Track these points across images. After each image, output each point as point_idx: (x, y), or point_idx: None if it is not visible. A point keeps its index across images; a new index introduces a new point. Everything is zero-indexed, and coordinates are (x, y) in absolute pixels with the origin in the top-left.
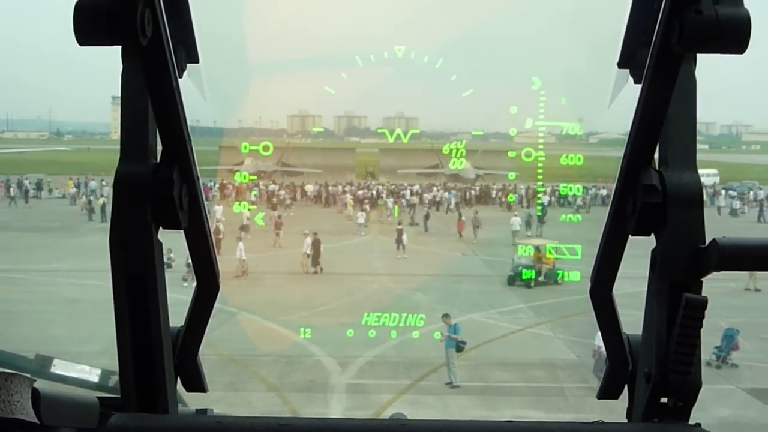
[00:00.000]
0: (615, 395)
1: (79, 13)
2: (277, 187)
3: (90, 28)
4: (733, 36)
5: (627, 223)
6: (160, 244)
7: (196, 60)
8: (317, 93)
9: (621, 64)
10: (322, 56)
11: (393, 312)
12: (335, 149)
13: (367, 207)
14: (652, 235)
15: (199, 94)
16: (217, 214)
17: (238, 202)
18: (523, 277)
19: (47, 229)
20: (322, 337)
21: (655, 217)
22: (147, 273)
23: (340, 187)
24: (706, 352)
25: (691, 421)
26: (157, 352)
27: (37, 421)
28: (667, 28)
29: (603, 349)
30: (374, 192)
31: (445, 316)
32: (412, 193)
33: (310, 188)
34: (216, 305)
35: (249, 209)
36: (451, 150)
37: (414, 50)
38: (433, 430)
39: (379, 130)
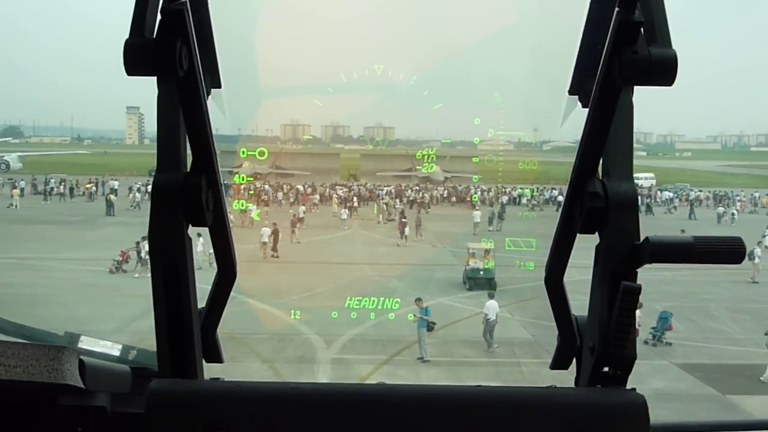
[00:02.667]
0: (565, 366)
1: (128, 49)
2: (269, 188)
3: (138, 62)
4: (663, 72)
5: (575, 223)
6: (190, 239)
7: (219, 86)
8: (307, 105)
9: (571, 91)
10: (312, 73)
11: (372, 296)
12: (322, 154)
13: (349, 205)
14: (596, 233)
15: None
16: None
17: (237, 201)
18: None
19: (69, 223)
20: (310, 318)
21: (599, 219)
22: (179, 263)
23: (326, 188)
24: (644, 332)
25: (628, 387)
26: (187, 329)
27: (83, 386)
28: (609, 64)
29: (490, 317)
30: (356, 192)
31: (418, 299)
32: (387, 194)
33: (300, 188)
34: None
35: (247, 206)
36: (423, 155)
37: (392, 69)
38: (414, 393)
39: (360, 138)
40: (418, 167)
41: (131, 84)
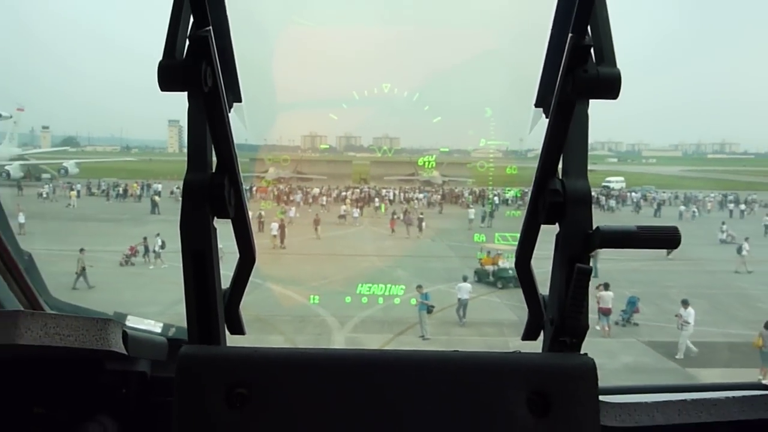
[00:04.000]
0: (534, 338)
1: (161, 69)
2: (291, 189)
3: (169, 80)
4: (609, 88)
5: (540, 216)
6: (215, 229)
7: (239, 100)
8: (324, 119)
9: (536, 104)
10: (328, 91)
11: (380, 283)
12: (337, 161)
13: (361, 205)
14: (557, 224)
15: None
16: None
17: (264, 201)
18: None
19: (119, 220)
20: (326, 302)
21: (558, 212)
22: (205, 249)
23: (341, 191)
24: (615, 315)
25: (582, 352)
26: (212, 303)
27: (126, 353)
28: (565, 81)
29: (462, 297)
30: (367, 194)
31: (419, 286)
32: (394, 195)
33: (316, 191)
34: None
35: (271, 207)
36: (424, 162)
37: (397, 88)
38: (403, 357)
39: (370, 147)
40: (420, 172)
41: (173, 101)
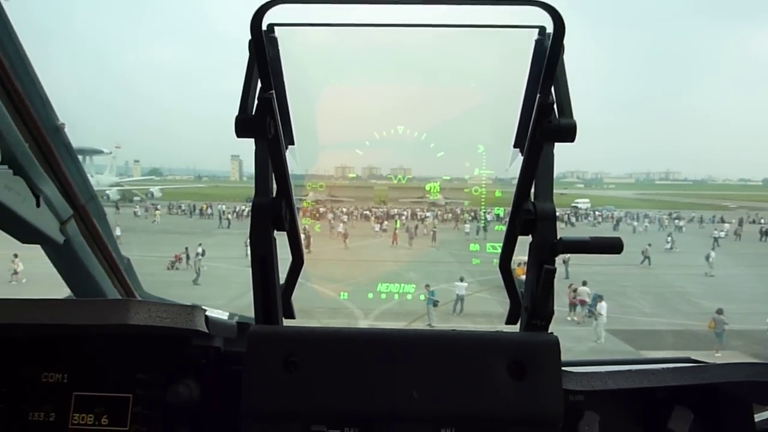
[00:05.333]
0: (514, 322)
1: (237, 121)
2: (327, 210)
3: (242, 130)
4: (567, 134)
5: (517, 229)
6: (275, 239)
7: (293, 143)
8: (351, 154)
9: (515, 146)
10: (356, 133)
11: (396, 283)
12: (362, 187)
13: (381, 221)
14: (530, 235)
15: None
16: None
17: (304, 218)
18: None
19: (192, 233)
20: (353, 297)
21: (531, 226)
22: (267, 254)
23: (365, 210)
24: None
25: (549, 332)
26: (272, 295)
27: (207, 331)
28: (534, 129)
29: (459, 293)
30: (386, 212)
31: (427, 285)
32: (407, 215)
33: (345, 210)
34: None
35: (311, 222)
36: (430, 188)
37: (409, 129)
38: (406, 334)
39: (387, 176)
40: (427, 195)
41: (234, 140)
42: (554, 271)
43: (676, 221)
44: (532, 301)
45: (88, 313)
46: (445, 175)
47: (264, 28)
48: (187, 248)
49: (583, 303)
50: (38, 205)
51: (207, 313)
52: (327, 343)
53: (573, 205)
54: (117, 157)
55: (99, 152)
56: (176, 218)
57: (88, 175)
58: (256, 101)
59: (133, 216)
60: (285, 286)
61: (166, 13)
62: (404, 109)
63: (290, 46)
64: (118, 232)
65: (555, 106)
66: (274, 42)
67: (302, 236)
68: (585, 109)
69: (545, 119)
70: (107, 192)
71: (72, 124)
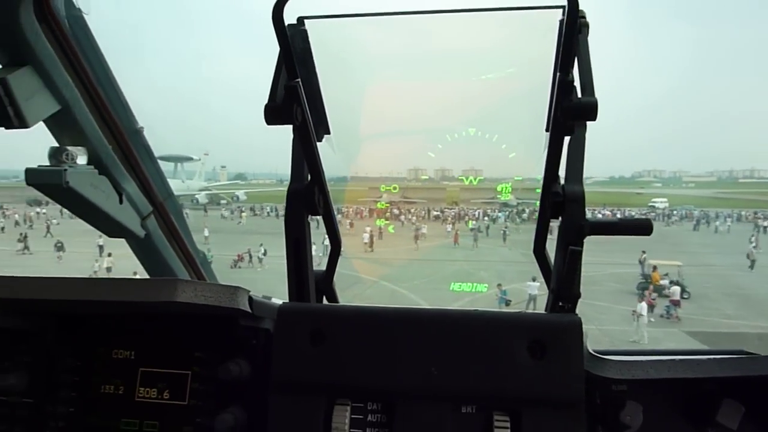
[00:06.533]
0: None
1: (266, 109)
2: (399, 212)
3: (271, 117)
4: (588, 113)
5: (547, 213)
6: (309, 223)
7: (329, 132)
8: (425, 156)
9: (546, 129)
10: (430, 136)
11: (467, 282)
12: (434, 188)
13: (453, 222)
14: (559, 218)
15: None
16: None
17: (378, 219)
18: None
19: (273, 233)
20: (426, 296)
21: (560, 208)
22: (300, 237)
23: (437, 211)
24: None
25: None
26: (305, 276)
27: (251, 312)
28: (555, 109)
29: (532, 293)
30: (457, 214)
31: (499, 285)
32: (478, 215)
33: (416, 211)
34: (364, 277)
35: (385, 223)
36: (502, 188)
37: (480, 131)
38: (436, 313)
39: (459, 177)
40: (498, 196)
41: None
42: (580, 252)
43: (761, 221)
44: (557, 282)
45: (141, 290)
46: (517, 176)
47: (294, 21)
48: (249, 249)
49: (675, 303)
50: (121, 201)
51: (251, 294)
52: (353, 320)
53: (650, 204)
54: (205, 163)
55: (189, 159)
56: (260, 220)
57: (179, 181)
58: (283, 90)
59: (220, 218)
60: (326, 272)
61: (244, 27)
62: (478, 110)
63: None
64: (206, 233)
65: (578, 85)
66: (303, 34)
67: (368, 237)
68: (661, 107)
69: (567, 98)
70: (196, 196)
71: (162, 133)
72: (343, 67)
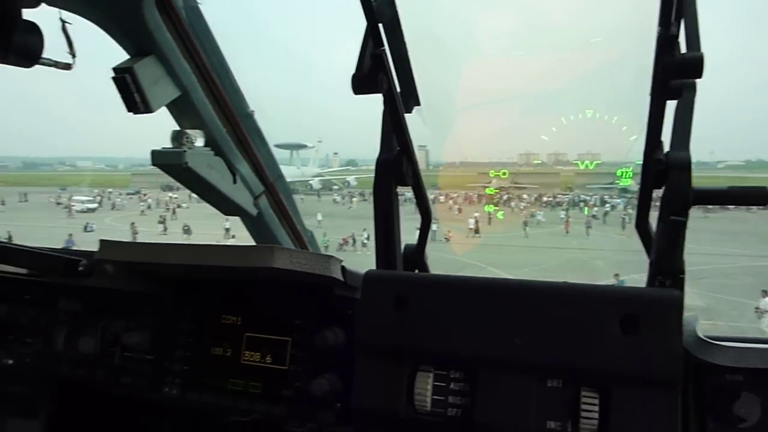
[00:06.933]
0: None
1: (353, 78)
2: (508, 197)
3: (358, 86)
4: (693, 69)
5: (650, 181)
6: (397, 194)
7: (418, 104)
8: (538, 140)
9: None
10: (541, 119)
11: (581, 272)
12: (547, 173)
13: (566, 208)
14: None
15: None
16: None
17: (487, 205)
18: None
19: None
20: None
21: (663, 177)
22: (389, 207)
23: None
24: None
25: None
26: (393, 244)
27: (343, 279)
28: (656, 66)
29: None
30: (572, 199)
31: (616, 274)
32: (595, 202)
33: (525, 196)
34: (470, 263)
35: (494, 209)
36: (622, 173)
37: (598, 113)
38: (526, 284)
39: (574, 162)
40: (616, 181)
41: (423, 132)
42: (683, 222)
43: None
44: (657, 254)
45: (242, 256)
46: (638, 159)
47: None
48: (353, 233)
49: None
50: (235, 181)
51: (343, 264)
52: (438, 287)
53: None
54: (319, 150)
55: (303, 146)
56: (368, 205)
57: (294, 167)
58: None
59: (332, 203)
60: (417, 243)
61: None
62: (589, 89)
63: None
64: (319, 217)
65: (683, 38)
66: (392, 3)
67: (473, 222)
68: None
69: (668, 53)
70: (310, 182)
71: (279, 122)
72: (437, 38)
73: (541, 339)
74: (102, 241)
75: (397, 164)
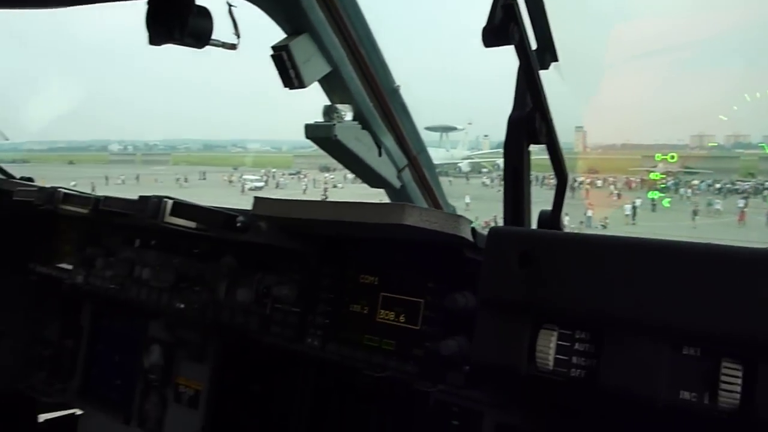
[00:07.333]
0: None
1: (483, 31)
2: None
3: (488, 39)
4: None
5: None
6: (529, 152)
7: (556, 59)
8: (714, 120)
9: None
10: (718, 98)
11: None
12: (723, 157)
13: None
14: None
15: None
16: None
17: (651, 191)
18: None
19: (535, 202)
20: None
21: None
22: (519, 166)
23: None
24: None
25: None
26: (520, 203)
27: (472, 240)
28: None
29: None
30: (753, 187)
31: None
32: None
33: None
34: None
35: (659, 196)
36: None
37: None
38: (665, 243)
39: (759, 144)
40: None
41: (576, 114)
42: None
43: None
44: None
45: (375, 213)
46: None
47: None
48: (495, 216)
49: None
50: (380, 154)
51: (473, 226)
52: (565, 244)
53: None
54: (469, 132)
55: (453, 129)
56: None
57: (444, 150)
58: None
59: (481, 186)
60: (553, 207)
61: None
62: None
63: None
64: (467, 200)
65: None
66: None
67: (630, 209)
68: None
69: None
70: (459, 165)
71: (429, 102)
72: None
73: (680, 301)
74: (256, 198)
75: (529, 121)
